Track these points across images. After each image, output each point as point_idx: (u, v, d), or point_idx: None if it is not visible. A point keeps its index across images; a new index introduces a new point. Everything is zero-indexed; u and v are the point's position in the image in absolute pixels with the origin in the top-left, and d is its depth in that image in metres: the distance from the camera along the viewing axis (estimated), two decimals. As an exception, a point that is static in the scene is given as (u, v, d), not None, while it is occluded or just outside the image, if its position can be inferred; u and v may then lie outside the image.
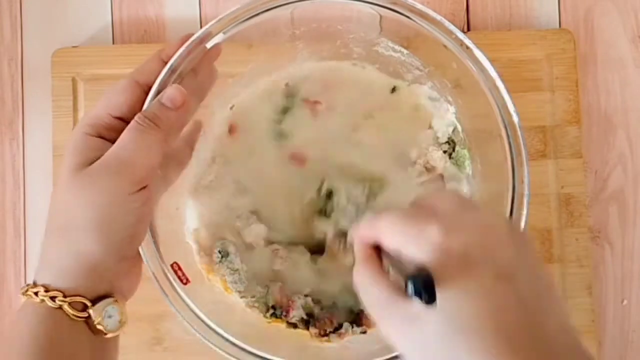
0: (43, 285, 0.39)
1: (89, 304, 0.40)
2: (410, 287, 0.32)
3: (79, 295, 0.39)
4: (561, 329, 0.33)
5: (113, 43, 0.61)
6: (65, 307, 0.39)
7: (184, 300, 0.45)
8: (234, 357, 0.45)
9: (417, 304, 0.33)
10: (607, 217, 0.60)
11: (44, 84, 0.60)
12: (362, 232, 0.38)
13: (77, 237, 0.40)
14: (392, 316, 0.34)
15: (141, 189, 0.41)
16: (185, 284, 0.46)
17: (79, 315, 0.39)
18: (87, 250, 0.40)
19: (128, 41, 0.62)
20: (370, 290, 0.36)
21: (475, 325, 0.32)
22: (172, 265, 0.46)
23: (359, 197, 0.54)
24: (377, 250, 0.37)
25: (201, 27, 0.61)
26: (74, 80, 0.59)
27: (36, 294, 0.39)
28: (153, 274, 0.44)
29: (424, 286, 0.32)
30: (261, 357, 0.45)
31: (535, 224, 0.58)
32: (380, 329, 0.36)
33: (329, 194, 0.54)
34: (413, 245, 0.34)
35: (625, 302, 0.59)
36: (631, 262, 0.59)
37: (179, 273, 0.46)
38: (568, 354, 0.33)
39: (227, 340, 0.45)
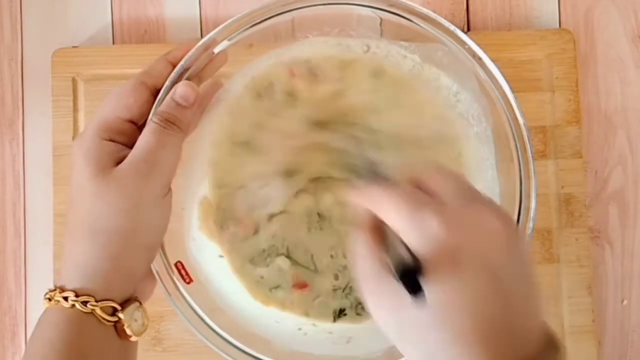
0: (73, 290, 0.39)
1: (118, 308, 0.40)
2: (399, 275, 0.33)
3: (110, 300, 0.39)
4: (542, 333, 0.34)
5: (113, 43, 0.61)
6: (97, 311, 0.39)
7: (186, 300, 0.45)
8: (233, 358, 0.45)
9: (407, 287, 0.33)
10: (607, 217, 0.60)
11: (44, 84, 0.60)
12: (361, 201, 0.38)
13: (108, 241, 0.39)
14: (379, 294, 0.35)
15: (167, 191, 0.41)
16: (189, 283, 0.46)
17: (109, 319, 0.39)
18: (119, 254, 0.40)
19: (128, 41, 0.62)
20: (364, 262, 0.36)
21: (458, 322, 0.33)
22: (175, 265, 0.46)
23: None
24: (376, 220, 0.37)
25: (201, 27, 0.62)
26: (74, 80, 0.59)
27: (66, 298, 0.39)
28: (157, 272, 0.44)
29: (412, 276, 0.33)
30: (259, 359, 0.45)
31: (536, 224, 0.58)
32: (365, 301, 0.36)
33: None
34: (411, 233, 0.34)
35: (625, 302, 0.59)
36: (631, 262, 0.59)
37: (182, 272, 0.46)
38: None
39: (227, 341, 0.45)
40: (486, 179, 0.51)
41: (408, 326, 0.34)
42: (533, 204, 0.45)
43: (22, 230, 0.60)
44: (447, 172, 0.38)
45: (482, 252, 0.34)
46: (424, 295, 0.33)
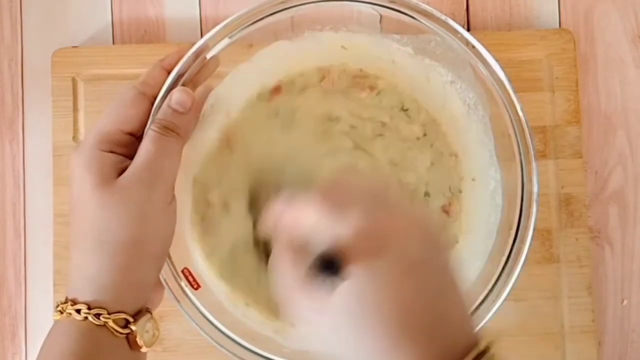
0: (85, 303, 0.39)
1: (131, 319, 0.40)
2: (317, 269, 0.33)
3: (122, 312, 0.39)
4: (461, 323, 0.35)
5: (113, 43, 0.62)
6: (110, 323, 0.39)
7: (196, 306, 0.45)
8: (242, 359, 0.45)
9: (327, 285, 0.33)
10: (607, 217, 0.60)
11: (44, 84, 0.60)
12: (282, 211, 0.37)
13: (118, 252, 0.39)
14: (304, 301, 0.34)
15: (172, 198, 0.41)
16: (197, 289, 0.46)
17: (122, 331, 0.39)
18: (129, 266, 0.40)
19: (128, 41, 0.62)
20: (284, 278, 0.36)
21: (380, 310, 0.33)
22: (182, 271, 0.46)
23: None
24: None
25: (201, 27, 0.62)
26: (74, 80, 0.59)
27: (78, 311, 0.39)
28: (164, 280, 0.44)
29: (330, 268, 0.33)
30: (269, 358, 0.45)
31: (536, 224, 0.58)
32: (291, 312, 0.36)
33: None
34: (333, 226, 0.34)
35: (625, 302, 0.59)
36: (631, 262, 0.59)
37: (190, 279, 0.46)
38: (464, 349, 0.33)
39: (240, 345, 0.45)
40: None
41: (338, 322, 0.34)
42: (535, 200, 0.45)
43: (22, 230, 0.60)
44: (362, 174, 0.38)
45: (403, 241, 0.34)
46: (341, 283, 0.32)
